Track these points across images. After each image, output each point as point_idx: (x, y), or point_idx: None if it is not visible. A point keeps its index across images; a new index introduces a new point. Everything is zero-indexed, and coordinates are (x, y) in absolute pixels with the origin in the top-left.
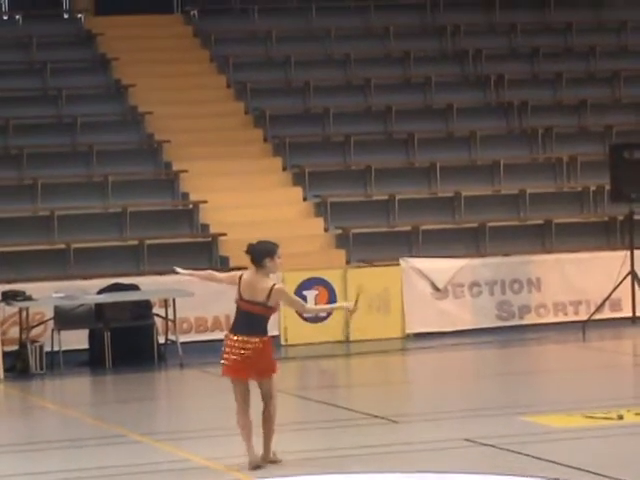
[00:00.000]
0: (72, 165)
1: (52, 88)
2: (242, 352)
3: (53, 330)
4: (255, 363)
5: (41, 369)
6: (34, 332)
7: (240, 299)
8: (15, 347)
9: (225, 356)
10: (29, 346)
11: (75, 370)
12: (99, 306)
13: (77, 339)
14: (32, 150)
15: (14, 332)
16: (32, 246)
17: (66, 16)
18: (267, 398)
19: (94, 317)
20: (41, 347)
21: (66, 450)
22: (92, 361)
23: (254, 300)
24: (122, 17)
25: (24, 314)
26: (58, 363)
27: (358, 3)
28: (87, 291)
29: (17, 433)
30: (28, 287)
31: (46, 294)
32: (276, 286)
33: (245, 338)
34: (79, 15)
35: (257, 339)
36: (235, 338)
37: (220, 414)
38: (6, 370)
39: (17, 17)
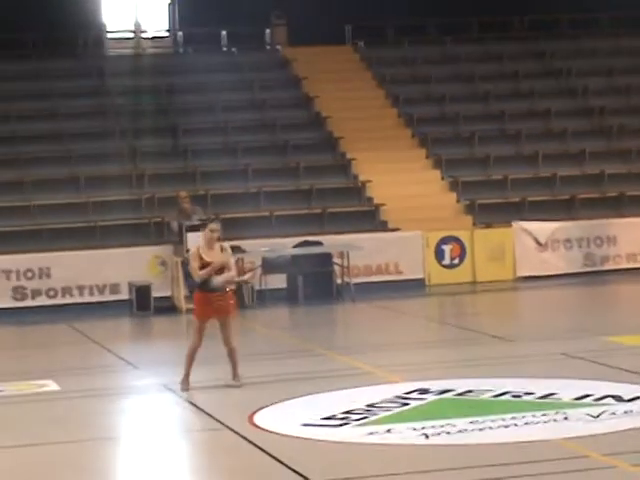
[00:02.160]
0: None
1: (259, 99)
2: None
3: (261, 274)
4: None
5: (252, 302)
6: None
7: None
8: (234, 287)
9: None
10: (244, 286)
11: (277, 303)
12: (294, 257)
13: (279, 280)
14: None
15: None
16: (244, 214)
17: (268, 47)
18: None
19: (291, 265)
20: (252, 287)
21: (272, 360)
22: (289, 297)
23: None
24: (308, 47)
25: (240, 262)
26: (264, 298)
27: None
28: (286, 246)
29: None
30: (243, 243)
31: (256, 248)
32: None
33: None
34: (277, 46)
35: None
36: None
37: (382, 334)
38: None
39: (233, 49)
